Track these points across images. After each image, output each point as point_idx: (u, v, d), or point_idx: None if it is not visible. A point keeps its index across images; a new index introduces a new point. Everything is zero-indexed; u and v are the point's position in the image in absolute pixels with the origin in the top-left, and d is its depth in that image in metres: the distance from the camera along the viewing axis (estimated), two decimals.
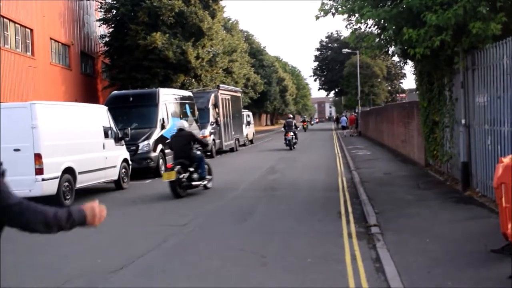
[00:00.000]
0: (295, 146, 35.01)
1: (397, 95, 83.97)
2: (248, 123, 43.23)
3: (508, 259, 7.22)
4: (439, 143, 16.75)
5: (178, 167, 15.09)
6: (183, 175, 15.20)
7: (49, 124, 14.17)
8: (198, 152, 15.76)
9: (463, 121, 13.74)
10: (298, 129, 38.87)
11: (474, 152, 13.24)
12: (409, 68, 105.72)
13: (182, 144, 15.57)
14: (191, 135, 15.85)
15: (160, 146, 21.26)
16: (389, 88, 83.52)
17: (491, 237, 8.52)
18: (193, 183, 15.47)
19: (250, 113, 46.99)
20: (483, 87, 12.69)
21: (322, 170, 21.50)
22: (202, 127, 28.73)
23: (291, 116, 40.50)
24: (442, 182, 15.53)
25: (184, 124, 16.33)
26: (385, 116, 34.04)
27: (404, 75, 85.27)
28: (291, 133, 34.56)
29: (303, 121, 75.59)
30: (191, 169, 15.46)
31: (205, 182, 16.17)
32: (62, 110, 15.28)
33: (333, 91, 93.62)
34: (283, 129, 37.91)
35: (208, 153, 29.66)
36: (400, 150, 26.22)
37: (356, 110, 63.33)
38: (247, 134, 41.79)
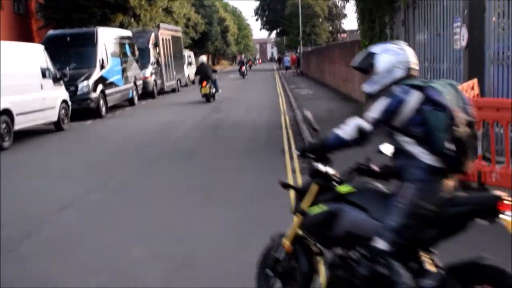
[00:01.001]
0: (246, 75, 45.47)
1: (338, 35, 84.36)
2: (190, 64, 42.71)
3: None
4: None
5: (208, 84, 24.90)
6: (210, 90, 25.09)
7: None
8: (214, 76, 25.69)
9: None
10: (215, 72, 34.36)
11: None
12: (350, 7, 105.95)
13: (205, 71, 25.33)
14: (209, 66, 26.32)
15: (100, 87, 20.77)
16: (330, 28, 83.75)
17: None
18: (214, 93, 25.79)
19: (192, 54, 46.34)
20: (423, 25, 12.86)
21: (266, 110, 21.55)
22: (143, 67, 28.20)
23: (243, 56, 41.90)
24: None
25: (204, 59, 26.59)
26: (326, 56, 34.22)
27: (345, 15, 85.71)
28: (244, 68, 46.50)
29: (241, 65, 51.44)
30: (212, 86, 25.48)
31: (219, 91, 27.03)
32: None
33: (275, 32, 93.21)
34: (237, 65, 48.41)
35: (150, 94, 29.29)
36: (341, 89, 26.53)
37: (298, 51, 63.41)
38: (188, 75, 41.33)
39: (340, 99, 23.76)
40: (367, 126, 3.50)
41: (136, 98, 25.84)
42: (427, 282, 3.40)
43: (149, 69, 29.46)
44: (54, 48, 20.55)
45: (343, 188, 3.83)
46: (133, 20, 37.51)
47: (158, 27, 32.68)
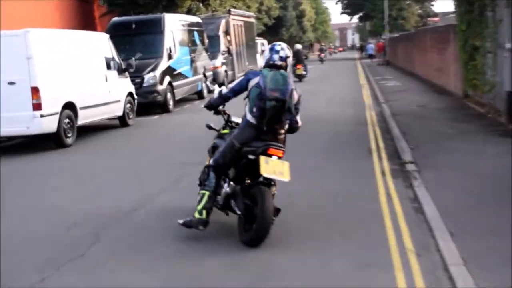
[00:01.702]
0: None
1: (429, 19, 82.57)
2: (263, 52, 42.85)
3: None
4: (480, 71, 16.51)
5: (302, 67, 33.89)
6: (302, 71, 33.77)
7: (46, 54, 14.09)
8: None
9: (508, 45, 13.51)
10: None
11: None
12: None
13: (299, 56, 34.03)
14: (302, 52, 35.14)
15: (167, 78, 21.16)
16: (420, 11, 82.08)
17: None
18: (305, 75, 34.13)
19: (265, 41, 46.52)
20: None
21: (348, 103, 21.47)
22: (212, 57, 28.50)
23: (299, 46, 39.19)
24: (484, 115, 15.45)
25: (299, 46, 36.26)
26: (416, 42, 33.61)
27: None
28: (323, 54, 42.51)
29: (320, 52, 65.73)
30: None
31: (308, 74, 35.43)
32: (60, 38, 15.18)
33: (357, 16, 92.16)
34: (318, 52, 43.73)
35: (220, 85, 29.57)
36: (434, 80, 25.99)
37: (383, 37, 62.51)
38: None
39: (432, 91, 23.30)
40: (227, 92, 7.03)
41: (205, 91, 26.18)
42: (225, 186, 6.92)
43: (219, 59, 29.76)
44: (118, 37, 21.08)
45: (224, 131, 7.54)
46: (201, 5, 38.05)
47: (229, 12, 32.95)
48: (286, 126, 6.79)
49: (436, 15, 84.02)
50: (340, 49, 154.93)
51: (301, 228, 7.11)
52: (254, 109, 6.39)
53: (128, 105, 18.06)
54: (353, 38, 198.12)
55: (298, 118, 6.91)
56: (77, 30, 18.74)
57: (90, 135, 16.33)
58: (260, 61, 40.47)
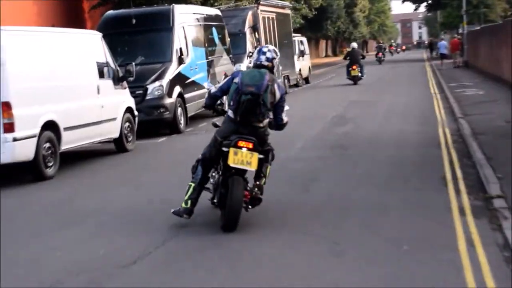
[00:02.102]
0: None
1: None
2: (302, 54, 42.93)
3: None
4: None
5: (357, 68, 37.67)
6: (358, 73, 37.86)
7: (21, 59, 14.20)
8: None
9: None
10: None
11: None
12: None
13: (355, 56, 37.94)
14: (359, 51, 40.04)
15: (178, 89, 21.26)
16: None
17: None
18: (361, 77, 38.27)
19: (304, 39, 46.53)
20: None
21: (414, 118, 21.42)
22: (236, 60, 28.62)
23: (355, 45, 42.64)
24: None
25: (355, 45, 39.72)
26: (504, 38, 33.32)
27: None
28: (381, 53, 46.75)
29: (378, 51, 70.15)
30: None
31: (364, 76, 39.18)
32: (40, 39, 15.29)
33: (425, 3, 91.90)
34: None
35: None
36: None
37: (460, 31, 62.18)
38: (300, 70, 41.56)
39: None
40: (216, 91, 9.96)
41: (226, 105, 26.15)
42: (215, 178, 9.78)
43: (245, 63, 29.81)
44: (114, 35, 21.29)
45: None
46: None
47: (258, 2, 33.11)
48: (266, 121, 9.59)
49: None
50: (403, 47, 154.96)
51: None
52: (231, 103, 9.33)
53: (127, 124, 18.17)
54: (419, 33, 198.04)
55: (283, 115, 9.83)
56: (61, 28, 18.95)
57: (77, 164, 16.42)
58: (299, 65, 40.84)
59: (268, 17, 33.90)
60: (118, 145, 18.04)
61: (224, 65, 26.26)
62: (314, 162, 14.70)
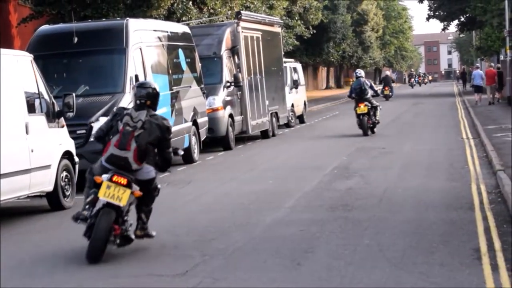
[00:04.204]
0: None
1: None
2: (296, 85, 43.00)
3: None
4: None
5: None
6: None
7: None
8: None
9: None
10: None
11: None
12: None
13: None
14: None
15: None
16: None
17: None
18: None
19: (299, 66, 46.72)
20: None
21: (440, 172, 21.46)
22: (209, 92, 28.66)
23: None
24: None
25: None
26: None
27: None
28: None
29: (385, 84, 68.10)
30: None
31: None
32: None
33: (456, 22, 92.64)
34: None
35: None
36: None
37: (502, 57, 62.47)
38: (292, 105, 41.64)
39: None
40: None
41: (196, 150, 26.20)
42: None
43: (221, 95, 29.86)
44: (49, 58, 21.31)
45: None
46: (191, 4, 38.41)
47: (239, 16, 33.17)
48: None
49: None
50: (430, 77, 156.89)
51: None
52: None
53: (64, 173, 18.13)
54: (449, 59, 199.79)
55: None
56: None
57: None
58: (291, 98, 40.88)
59: (252, 37, 33.90)
60: (52, 201, 17.94)
61: (193, 98, 26.31)
62: (308, 227, 14.54)
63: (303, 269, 11.54)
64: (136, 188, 12.34)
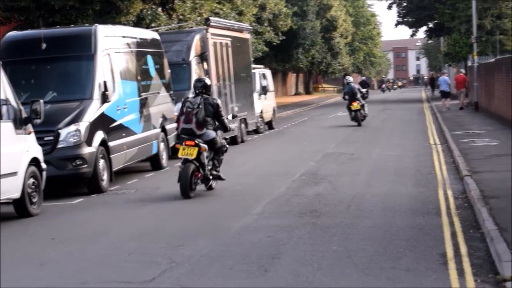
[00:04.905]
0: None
1: None
2: (265, 91, 42.99)
3: None
4: None
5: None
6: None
7: None
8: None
9: None
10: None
11: None
12: None
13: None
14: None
15: (100, 135, 21.09)
16: None
17: None
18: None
19: (268, 72, 46.72)
20: None
21: (408, 177, 21.53)
22: (179, 98, 28.55)
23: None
24: None
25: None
26: None
27: None
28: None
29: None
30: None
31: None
32: None
33: (424, 28, 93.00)
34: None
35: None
36: None
37: (470, 63, 62.77)
38: (261, 111, 41.61)
39: None
40: None
41: (165, 156, 26.17)
42: None
43: None
44: (16, 64, 21.20)
45: None
46: (161, 10, 38.39)
47: (207, 23, 33.16)
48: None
49: None
50: (399, 84, 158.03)
51: None
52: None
53: (31, 180, 18.03)
54: (417, 65, 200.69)
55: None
56: None
57: None
58: (260, 105, 40.93)
59: (221, 43, 33.90)
60: (19, 208, 17.86)
61: (162, 104, 26.28)
62: (276, 233, 14.55)
63: (270, 275, 11.54)
64: (203, 146, 19.19)
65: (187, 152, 19.03)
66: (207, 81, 20.52)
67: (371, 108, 58.96)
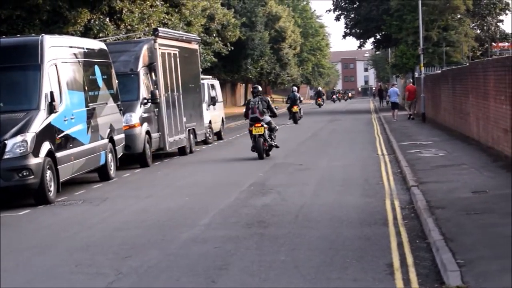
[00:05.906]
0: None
1: (493, 44, 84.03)
2: (213, 101, 43.03)
3: None
4: None
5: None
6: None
7: None
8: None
9: None
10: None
11: None
12: None
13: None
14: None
15: (46, 146, 20.99)
16: (478, 31, 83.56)
17: None
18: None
19: (217, 83, 46.77)
20: None
21: (355, 188, 21.59)
22: (126, 109, 28.58)
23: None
24: None
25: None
26: (471, 84, 34.02)
27: (507, 7, 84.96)
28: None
29: (318, 95, 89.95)
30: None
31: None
32: None
33: (372, 39, 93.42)
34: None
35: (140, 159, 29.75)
36: (502, 148, 26.26)
37: (417, 75, 63.22)
38: (210, 122, 41.64)
39: (499, 167, 23.46)
40: None
41: (113, 167, 26.08)
42: None
43: (138, 112, 29.75)
44: None
45: None
46: (108, 20, 38.25)
47: (155, 34, 33.11)
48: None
49: (506, 38, 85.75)
50: (350, 94, 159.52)
51: None
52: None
53: None
54: (365, 76, 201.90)
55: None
56: None
57: None
58: (209, 115, 40.94)
59: (169, 53, 33.83)
60: None
61: (109, 115, 26.18)
62: (223, 244, 14.54)
63: (217, 286, 11.54)
64: (266, 125, 29.83)
65: (258, 130, 29.68)
66: (260, 88, 33.21)
67: (320, 119, 59.32)
